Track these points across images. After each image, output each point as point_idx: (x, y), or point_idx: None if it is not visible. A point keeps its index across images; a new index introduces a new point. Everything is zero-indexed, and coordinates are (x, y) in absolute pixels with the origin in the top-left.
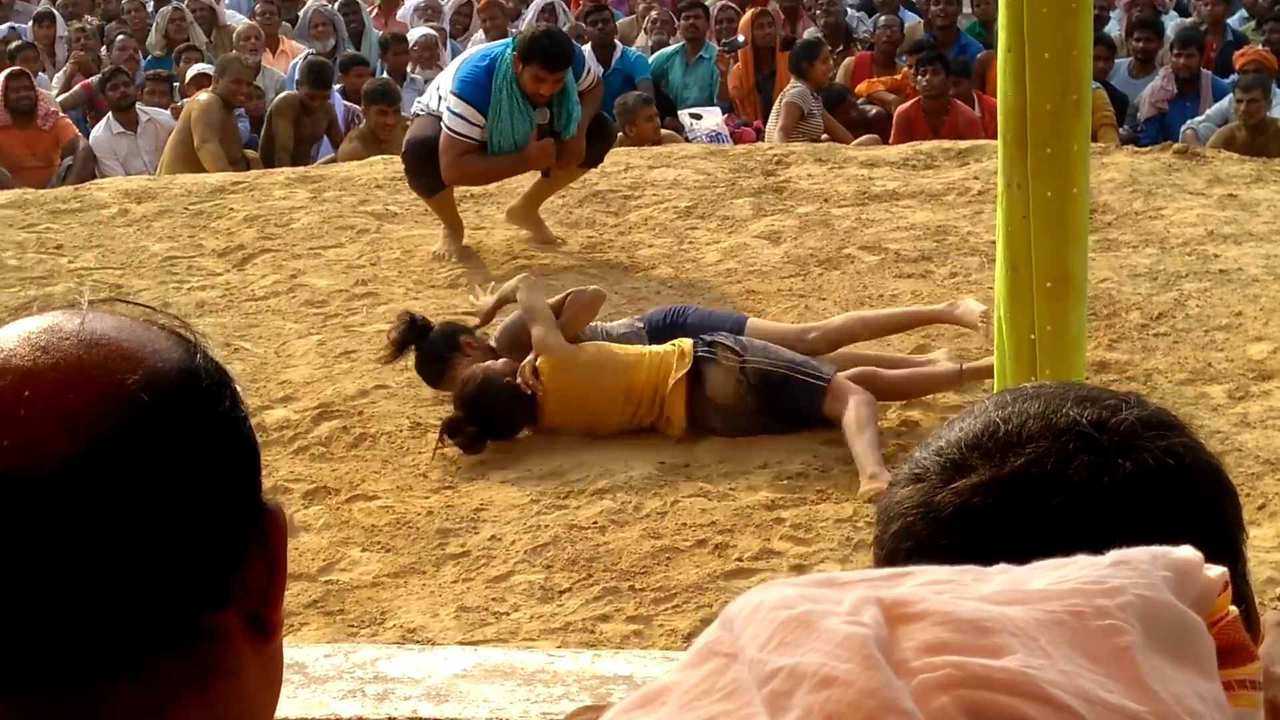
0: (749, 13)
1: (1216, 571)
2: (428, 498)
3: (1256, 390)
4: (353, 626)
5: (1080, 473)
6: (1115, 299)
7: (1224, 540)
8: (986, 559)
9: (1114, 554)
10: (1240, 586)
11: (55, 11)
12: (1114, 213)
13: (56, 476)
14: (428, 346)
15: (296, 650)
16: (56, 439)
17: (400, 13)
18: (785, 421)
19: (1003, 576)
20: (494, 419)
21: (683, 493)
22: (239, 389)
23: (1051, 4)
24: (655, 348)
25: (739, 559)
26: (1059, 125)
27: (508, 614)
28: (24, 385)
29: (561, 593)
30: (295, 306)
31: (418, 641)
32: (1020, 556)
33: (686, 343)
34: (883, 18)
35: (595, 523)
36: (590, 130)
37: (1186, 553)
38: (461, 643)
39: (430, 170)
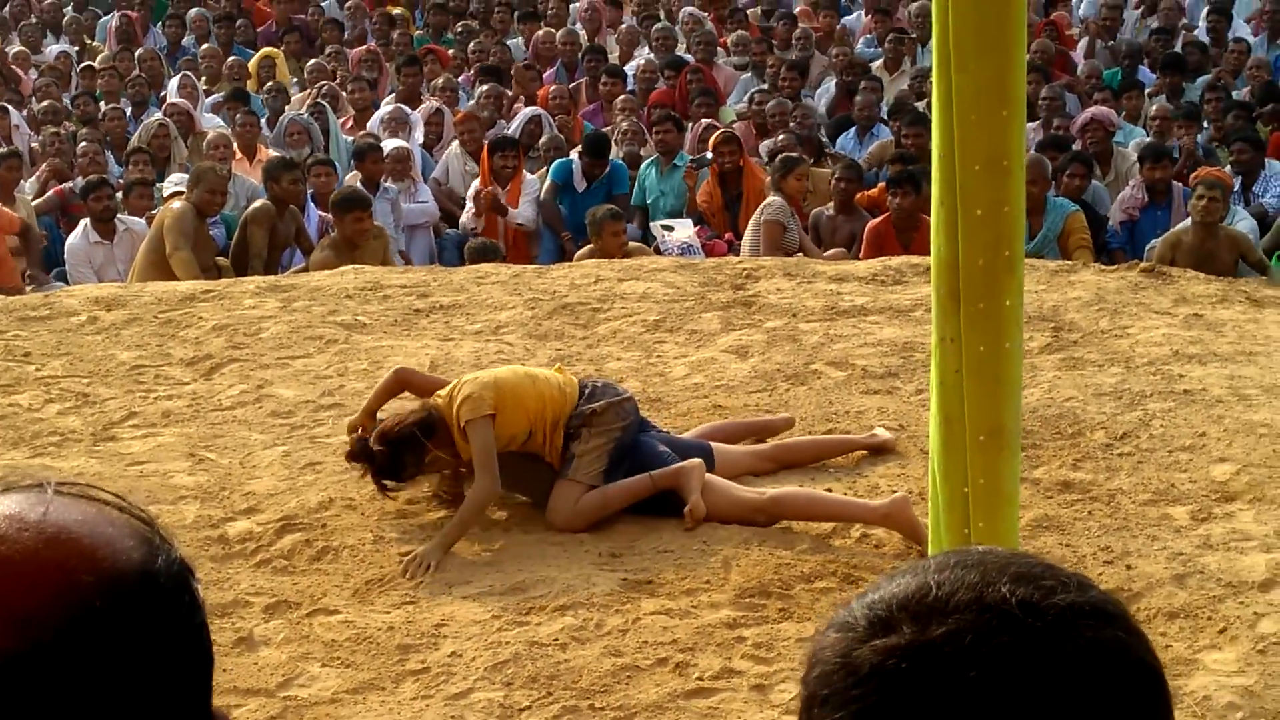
0: (716, 135)
1: None
2: (389, 613)
3: (1219, 512)
4: None
5: (996, 652)
6: (1080, 418)
7: None
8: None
9: None
10: None
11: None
12: (1080, 331)
13: None
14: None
15: None
16: (1, 634)
17: (370, 123)
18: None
19: None
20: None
21: (645, 609)
22: (199, 590)
23: (984, 161)
24: (546, 374)
25: (699, 678)
26: (991, 281)
27: None
28: None
29: (521, 711)
30: (261, 417)
31: None
32: None
33: (573, 381)
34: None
35: (556, 639)
36: None
37: None
38: None
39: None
